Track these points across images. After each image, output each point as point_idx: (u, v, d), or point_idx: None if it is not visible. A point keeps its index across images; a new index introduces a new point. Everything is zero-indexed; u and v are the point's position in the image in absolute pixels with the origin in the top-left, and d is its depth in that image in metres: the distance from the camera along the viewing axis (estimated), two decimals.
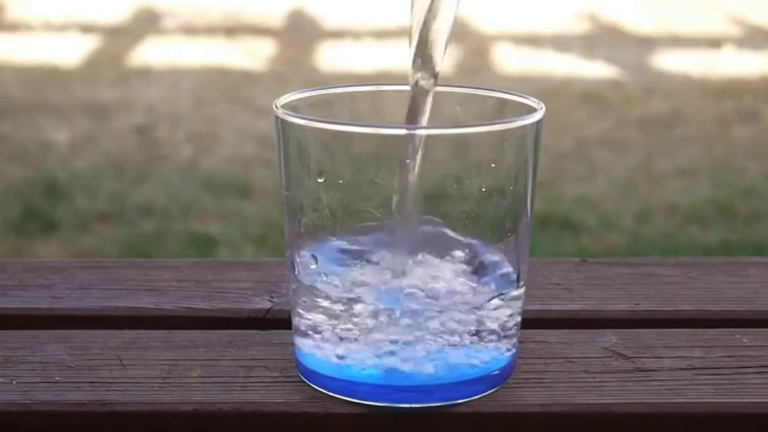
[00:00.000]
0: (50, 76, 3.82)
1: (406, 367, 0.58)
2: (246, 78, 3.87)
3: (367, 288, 0.57)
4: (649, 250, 2.39)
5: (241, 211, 2.58)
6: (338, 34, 4.52)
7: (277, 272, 0.75)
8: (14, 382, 0.61)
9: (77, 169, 2.85)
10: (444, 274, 0.58)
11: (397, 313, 0.56)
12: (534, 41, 4.43)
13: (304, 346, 0.60)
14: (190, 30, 4.57)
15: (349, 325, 0.58)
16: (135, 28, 4.59)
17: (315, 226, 0.58)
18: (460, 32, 4.60)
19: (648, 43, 4.46)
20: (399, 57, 4.18)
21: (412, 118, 0.59)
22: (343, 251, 0.58)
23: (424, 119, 0.60)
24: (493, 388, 0.60)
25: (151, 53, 4.19)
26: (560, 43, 4.41)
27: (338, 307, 0.57)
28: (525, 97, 0.61)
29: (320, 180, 0.57)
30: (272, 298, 0.72)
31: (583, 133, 3.22)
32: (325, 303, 0.58)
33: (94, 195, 2.66)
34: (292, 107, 0.60)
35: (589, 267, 0.78)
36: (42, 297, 0.72)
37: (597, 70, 4.02)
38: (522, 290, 0.60)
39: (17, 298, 0.72)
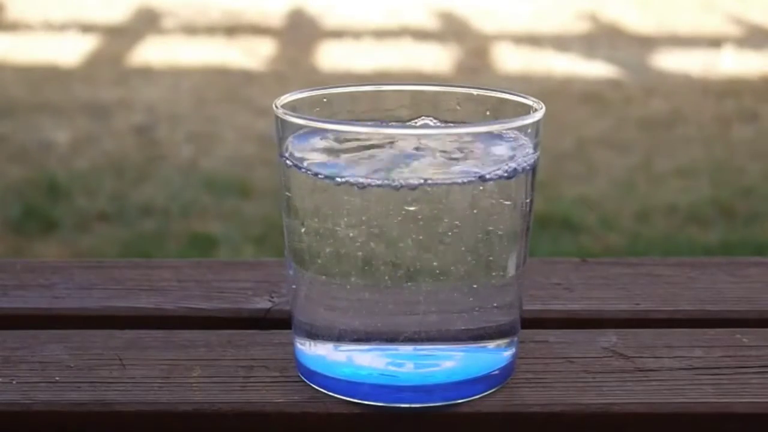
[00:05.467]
0: (50, 76, 3.82)
1: (406, 367, 0.58)
2: (246, 78, 3.87)
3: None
4: (649, 250, 2.39)
5: (241, 211, 2.58)
6: (338, 34, 4.52)
7: (277, 272, 0.75)
8: (14, 382, 0.61)
9: (77, 169, 2.85)
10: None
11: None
12: (534, 41, 4.43)
13: (304, 346, 0.60)
14: (190, 30, 4.57)
15: (344, 322, 0.58)
16: (135, 28, 4.59)
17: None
18: (460, 32, 4.60)
19: (648, 43, 4.46)
20: (399, 57, 4.18)
21: None
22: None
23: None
24: (493, 388, 0.60)
25: (151, 53, 4.19)
26: (560, 43, 4.41)
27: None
28: (525, 97, 0.61)
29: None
30: (272, 298, 0.72)
31: (583, 133, 3.22)
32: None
33: (94, 195, 2.66)
34: (292, 107, 0.60)
35: (589, 267, 0.78)
36: (42, 297, 0.72)
37: (597, 70, 4.02)
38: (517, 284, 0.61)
39: (17, 298, 0.72)
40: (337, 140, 0.59)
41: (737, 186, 2.79)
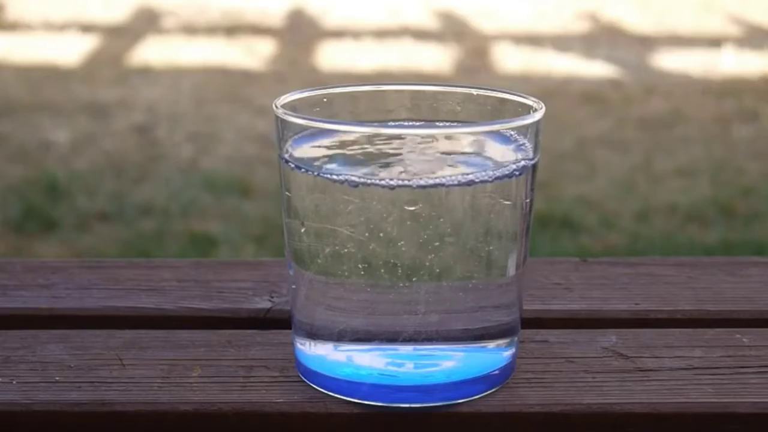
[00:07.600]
0: (50, 76, 3.82)
1: (406, 367, 0.58)
2: (246, 78, 3.87)
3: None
4: (649, 250, 2.39)
5: (241, 211, 2.58)
6: (338, 34, 4.52)
7: (277, 272, 0.75)
8: (14, 382, 0.61)
9: (77, 169, 2.85)
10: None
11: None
12: (534, 41, 4.43)
13: (304, 346, 0.60)
14: (190, 30, 4.57)
15: (344, 322, 0.58)
16: (135, 28, 4.59)
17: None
18: (460, 32, 4.60)
19: (648, 43, 4.46)
20: (399, 57, 4.18)
21: None
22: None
23: None
24: (493, 388, 0.60)
25: (151, 53, 4.19)
26: (560, 43, 4.41)
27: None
28: (525, 97, 0.61)
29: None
30: (272, 298, 0.72)
31: (583, 133, 3.22)
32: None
33: (94, 195, 2.66)
34: (292, 107, 0.60)
35: (589, 267, 0.78)
36: (42, 297, 0.72)
37: (597, 70, 4.02)
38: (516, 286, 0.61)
39: (17, 298, 0.72)
40: (336, 140, 0.59)
41: (737, 186, 2.79)
